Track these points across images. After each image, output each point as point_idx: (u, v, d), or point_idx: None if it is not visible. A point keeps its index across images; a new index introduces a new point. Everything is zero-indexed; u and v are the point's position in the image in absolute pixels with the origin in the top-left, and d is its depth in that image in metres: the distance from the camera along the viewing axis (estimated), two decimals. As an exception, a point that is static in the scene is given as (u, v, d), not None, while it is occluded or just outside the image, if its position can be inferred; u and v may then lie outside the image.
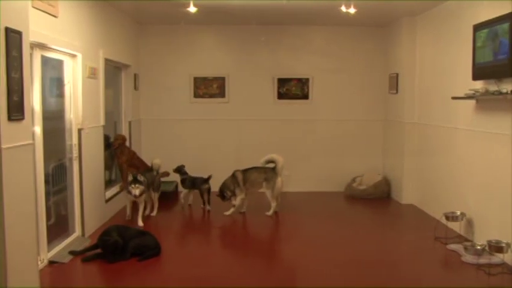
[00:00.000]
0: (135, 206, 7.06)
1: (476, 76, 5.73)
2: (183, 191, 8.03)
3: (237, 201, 7.47)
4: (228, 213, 7.41)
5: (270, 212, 7.46)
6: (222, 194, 7.51)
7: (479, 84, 5.70)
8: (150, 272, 5.16)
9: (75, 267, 5.28)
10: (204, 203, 7.83)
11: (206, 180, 7.79)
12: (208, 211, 7.68)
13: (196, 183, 7.86)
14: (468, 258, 5.39)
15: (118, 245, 5.35)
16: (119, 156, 7.72)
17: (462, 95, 5.96)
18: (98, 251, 5.46)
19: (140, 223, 6.79)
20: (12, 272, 3.52)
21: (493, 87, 5.43)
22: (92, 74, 6.44)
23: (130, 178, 6.79)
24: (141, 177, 6.79)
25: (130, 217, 7.11)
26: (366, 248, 6.08)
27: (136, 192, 6.67)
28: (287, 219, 7.41)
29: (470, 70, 5.80)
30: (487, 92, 5.49)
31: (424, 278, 5.06)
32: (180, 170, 8.06)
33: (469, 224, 6.10)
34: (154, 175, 7.47)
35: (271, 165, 7.50)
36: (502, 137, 5.34)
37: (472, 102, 6.02)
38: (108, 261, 5.30)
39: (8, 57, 3.46)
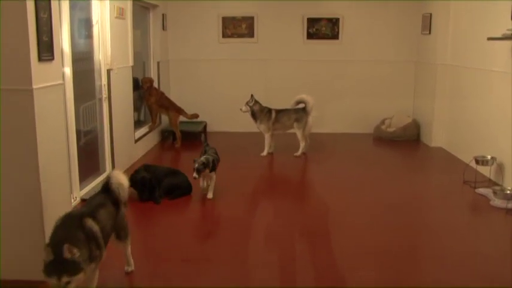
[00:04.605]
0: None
1: (515, 15, 5.50)
2: None
3: (266, 142, 7.56)
4: (263, 154, 7.53)
5: (299, 153, 7.50)
6: (253, 114, 7.58)
7: (517, 25, 5.49)
8: (180, 211, 5.28)
9: (107, 205, 5.42)
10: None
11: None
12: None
13: None
14: (497, 202, 5.35)
15: (146, 182, 5.45)
16: (148, 98, 7.83)
17: (499, 35, 5.76)
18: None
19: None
20: (47, 209, 3.62)
21: (532, 27, 5.23)
22: (119, 14, 6.39)
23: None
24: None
25: None
26: (395, 190, 6.08)
27: None
28: (315, 161, 7.43)
29: (509, 8, 5.56)
30: (525, 33, 5.30)
31: (452, 222, 5.05)
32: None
33: (500, 168, 6.02)
34: None
35: (301, 105, 7.50)
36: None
37: (510, 43, 5.81)
38: (140, 200, 5.43)
39: (36, -3, 3.44)
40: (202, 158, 5.46)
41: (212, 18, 9.12)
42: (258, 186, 6.42)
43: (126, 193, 3.61)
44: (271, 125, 7.52)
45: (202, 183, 5.73)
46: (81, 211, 3.26)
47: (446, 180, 6.46)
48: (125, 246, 3.76)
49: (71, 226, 3.01)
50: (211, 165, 5.48)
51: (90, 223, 3.10)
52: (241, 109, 7.59)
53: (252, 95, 7.55)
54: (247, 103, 7.55)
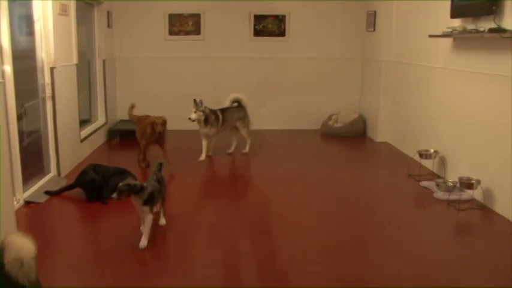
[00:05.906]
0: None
1: (454, 14, 5.68)
2: None
3: (204, 145, 7.20)
4: (201, 158, 7.15)
5: (246, 149, 7.49)
6: (206, 119, 6.98)
7: (457, 23, 5.67)
8: (127, 211, 5.19)
9: (52, 207, 5.29)
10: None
11: None
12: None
13: None
14: (440, 194, 5.52)
15: (95, 183, 5.36)
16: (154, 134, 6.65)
17: (439, 33, 5.94)
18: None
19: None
20: (-12, 213, 3.51)
21: (470, 25, 5.41)
22: (62, 10, 6.23)
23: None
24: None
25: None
26: (342, 185, 6.18)
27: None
28: (262, 157, 7.46)
29: (448, 8, 5.75)
30: (464, 30, 5.47)
31: (397, 214, 5.19)
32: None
33: (442, 161, 6.22)
34: None
35: (236, 104, 7.44)
36: (478, 76, 5.38)
37: (449, 40, 6.01)
38: (89, 200, 5.34)
39: (-27, -7, 3.32)
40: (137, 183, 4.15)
41: (158, 15, 9.02)
42: (205, 185, 6.40)
43: (34, 271, 2.18)
44: (220, 126, 7.24)
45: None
46: None
47: (392, 173, 6.61)
48: None
49: None
50: (147, 197, 4.17)
51: None
52: (190, 118, 6.89)
53: (195, 100, 6.93)
54: (196, 109, 6.90)
